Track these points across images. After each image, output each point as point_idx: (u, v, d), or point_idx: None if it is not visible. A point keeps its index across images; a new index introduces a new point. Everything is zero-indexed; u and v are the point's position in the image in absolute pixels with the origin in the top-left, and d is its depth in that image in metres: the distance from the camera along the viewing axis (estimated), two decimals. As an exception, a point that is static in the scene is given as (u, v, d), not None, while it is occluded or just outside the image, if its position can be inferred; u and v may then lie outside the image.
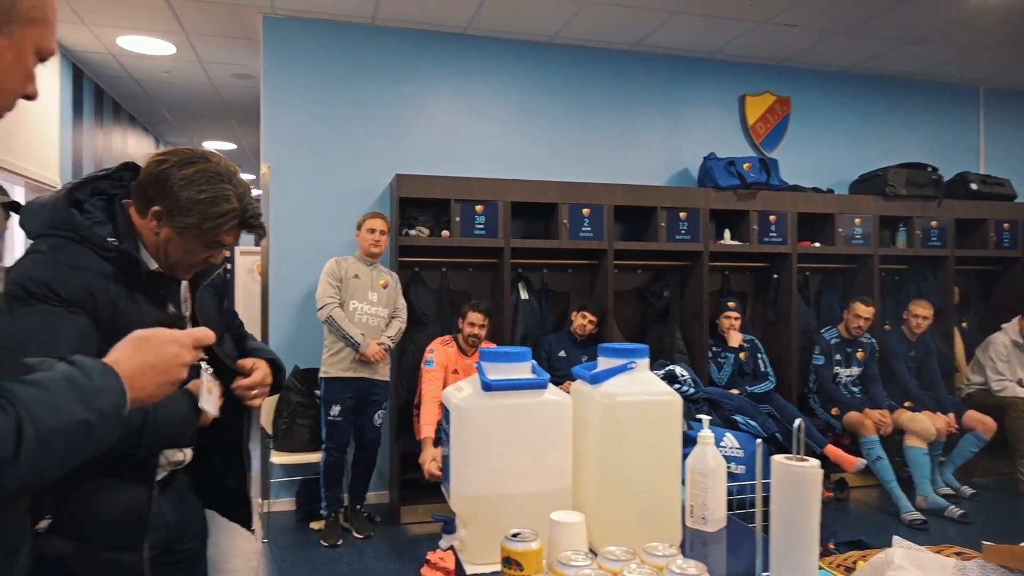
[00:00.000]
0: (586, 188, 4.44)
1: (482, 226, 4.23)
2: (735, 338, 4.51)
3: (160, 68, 5.34)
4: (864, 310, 4.49)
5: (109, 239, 1.27)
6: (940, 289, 5.13)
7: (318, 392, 3.99)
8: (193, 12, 4.25)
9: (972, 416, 4.51)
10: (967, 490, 4.53)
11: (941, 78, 5.56)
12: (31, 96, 0.87)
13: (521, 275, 4.60)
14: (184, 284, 1.43)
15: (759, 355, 4.60)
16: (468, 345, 3.99)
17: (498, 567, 1.12)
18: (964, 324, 5.43)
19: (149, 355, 0.90)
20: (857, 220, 4.90)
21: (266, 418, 4.07)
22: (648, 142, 4.97)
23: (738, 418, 2.39)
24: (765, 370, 4.55)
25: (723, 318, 4.55)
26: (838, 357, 4.59)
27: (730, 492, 1.58)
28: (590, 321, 4.32)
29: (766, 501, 1.21)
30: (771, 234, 4.72)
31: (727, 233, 4.75)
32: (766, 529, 1.25)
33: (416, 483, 4.22)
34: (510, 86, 4.72)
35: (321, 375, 3.83)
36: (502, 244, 4.25)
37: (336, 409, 3.76)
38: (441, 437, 1.33)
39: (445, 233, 4.22)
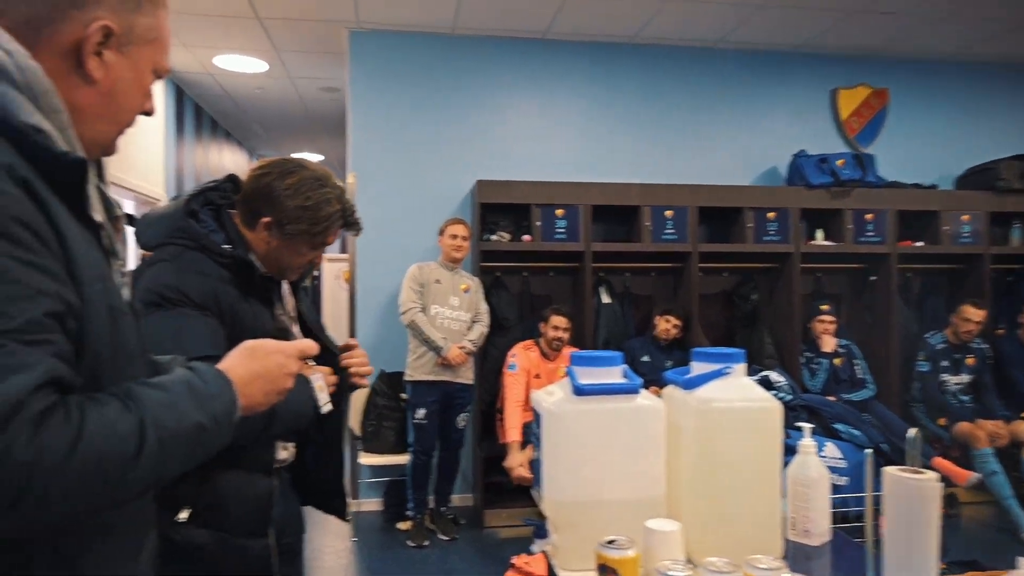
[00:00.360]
0: (669, 189, 4.35)
1: (563, 230, 4.21)
2: (829, 343, 4.31)
3: (253, 85, 5.60)
4: (974, 313, 4.19)
5: (224, 246, 1.35)
6: (1060, 290, 4.74)
7: (404, 395, 4.07)
8: (284, 30, 4.44)
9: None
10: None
11: (1058, 62, 5.15)
12: (149, 112, 0.92)
13: (603, 279, 4.55)
14: (285, 287, 1.50)
15: (856, 361, 4.37)
16: (551, 349, 3.98)
17: (591, 573, 1.10)
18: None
19: (258, 364, 0.93)
20: (965, 217, 4.59)
21: (354, 420, 4.19)
22: (733, 141, 4.83)
23: (839, 427, 2.27)
24: (863, 377, 4.32)
25: (816, 322, 4.35)
26: (945, 364, 4.30)
27: (832, 504, 1.50)
28: (674, 325, 4.23)
29: (875, 515, 1.14)
30: (868, 233, 4.48)
31: (819, 233, 4.55)
32: (876, 545, 1.17)
33: (500, 486, 4.24)
34: (589, 88, 4.69)
35: (406, 378, 3.91)
36: (583, 248, 4.22)
37: (421, 412, 3.82)
38: (531, 440, 1.32)
39: (526, 238, 4.22)
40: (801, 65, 4.90)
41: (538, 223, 4.18)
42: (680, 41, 4.69)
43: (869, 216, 4.48)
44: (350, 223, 1.46)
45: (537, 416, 1.32)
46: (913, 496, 1.04)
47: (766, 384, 2.98)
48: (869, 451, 1.24)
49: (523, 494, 4.04)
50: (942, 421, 4.24)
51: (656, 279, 4.70)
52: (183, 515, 1.28)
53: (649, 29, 4.47)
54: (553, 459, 1.25)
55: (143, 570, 0.89)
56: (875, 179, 4.56)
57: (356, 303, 4.44)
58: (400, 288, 3.95)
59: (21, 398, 0.65)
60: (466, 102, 4.56)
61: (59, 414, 0.68)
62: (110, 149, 0.90)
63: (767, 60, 4.86)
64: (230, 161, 7.31)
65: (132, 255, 4.95)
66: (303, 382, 1.33)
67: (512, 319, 4.40)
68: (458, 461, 4.06)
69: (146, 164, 5.00)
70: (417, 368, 3.84)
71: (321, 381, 1.36)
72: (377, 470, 4.31)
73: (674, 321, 4.23)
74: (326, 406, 1.36)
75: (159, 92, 5.30)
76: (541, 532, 1.28)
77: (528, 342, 4.06)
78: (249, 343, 0.95)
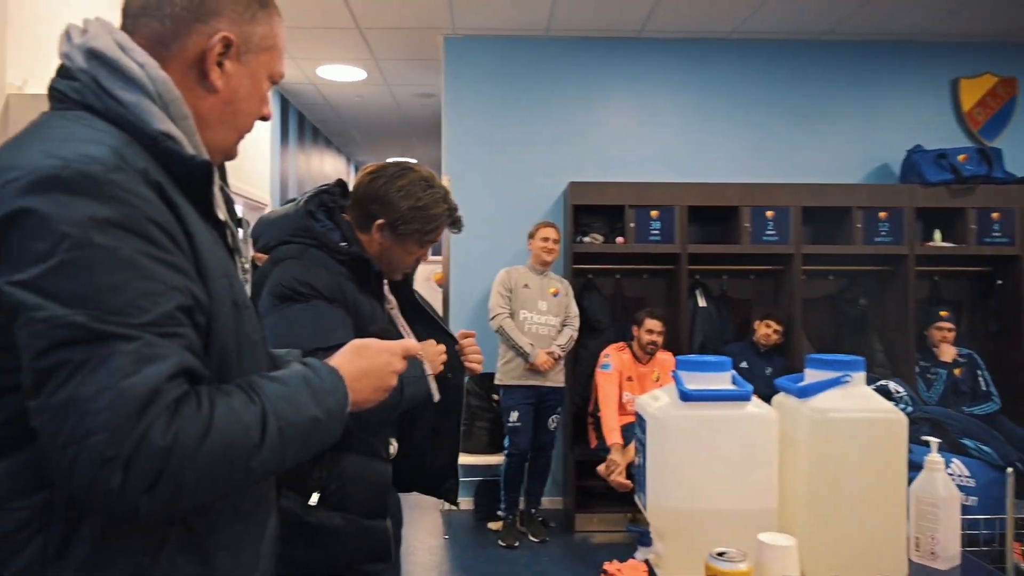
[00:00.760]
0: (770, 189, 4.18)
1: (657, 231, 4.13)
2: (948, 352, 4.01)
3: (353, 93, 5.81)
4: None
5: (341, 244, 1.43)
6: None
7: (496, 396, 4.10)
8: (382, 39, 4.58)
9: None
10: None
11: None
12: (266, 117, 0.96)
13: (699, 281, 4.42)
14: (386, 285, 1.57)
15: (979, 372, 4.04)
16: (644, 353, 3.91)
17: (698, 585, 1.05)
18: None
19: (366, 362, 0.96)
20: (1105, 215, 4.17)
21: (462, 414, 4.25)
22: (840, 137, 4.58)
23: (967, 442, 2.10)
24: (987, 389, 3.99)
25: (933, 330, 4.06)
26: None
27: (961, 526, 1.39)
28: (775, 330, 4.06)
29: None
30: (994, 234, 4.14)
31: (937, 234, 4.24)
32: (1020, 574, 1.07)
33: (591, 491, 4.19)
34: (685, 87, 4.57)
35: (497, 382, 3.93)
36: (679, 250, 4.12)
37: (515, 415, 3.83)
38: (636, 446, 1.29)
39: (620, 240, 4.16)
40: (917, 55, 4.59)
41: (632, 224, 4.11)
42: (783, 35, 4.50)
43: (995, 215, 4.14)
44: (455, 221, 1.53)
45: (641, 421, 1.28)
46: (1066, 522, 0.94)
47: (885, 394, 2.80)
48: (1010, 470, 1.13)
49: (614, 499, 3.98)
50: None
51: (755, 282, 4.52)
52: (314, 499, 1.35)
53: (750, 23, 4.31)
54: (658, 466, 1.22)
55: (266, 551, 0.93)
56: (1002, 175, 4.21)
57: (449, 304, 4.51)
58: (491, 291, 3.98)
59: (157, 386, 0.69)
60: (559, 103, 4.55)
61: (192, 403, 0.72)
62: (231, 153, 0.95)
63: (879, 51, 4.58)
64: (330, 167, 7.61)
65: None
66: (416, 364, 1.40)
67: (604, 322, 4.34)
68: (549, 463, 4.04)
69: (255, 171, 5.28)
70: (507, 372, 3.85)
71: (430, 371, 1.43)
72: (469, 469, 4.36)
73: (775, 326, 4.06)
74: (435, 393, 1.43)
75: (267, 102, 5.59)
76: (644, 539, 1.25)
77: (620, 344, 4.00)
78: (357, 342, 0.99)
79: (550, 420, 3.92)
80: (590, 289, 4.39)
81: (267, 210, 4.37)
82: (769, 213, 4.12)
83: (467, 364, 1.58)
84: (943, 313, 4.05)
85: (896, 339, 4.21)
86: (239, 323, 0.85)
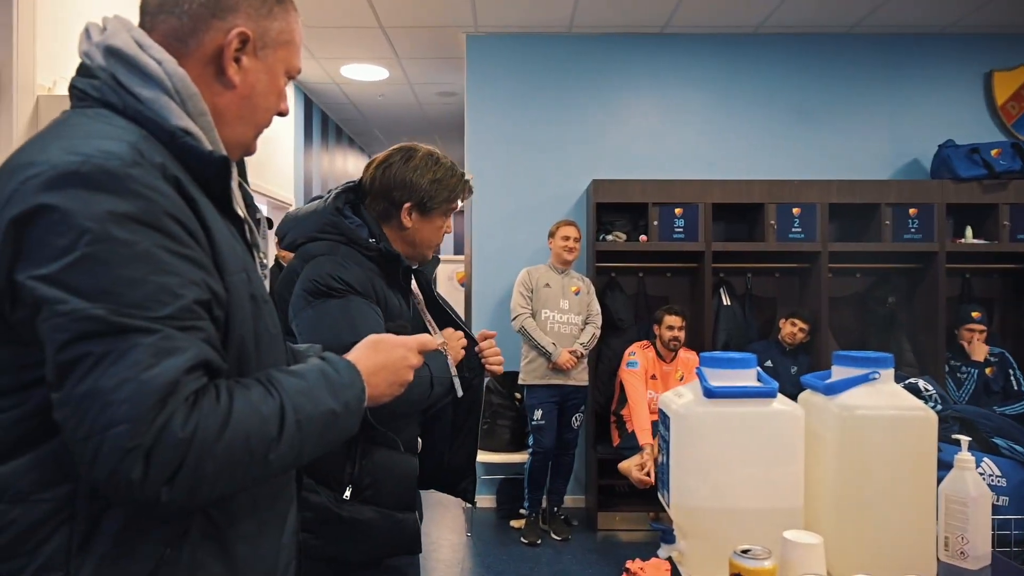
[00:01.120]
0: (796, 186, 4.13)
1: (681, 229, 4.09)
2: (980, 351, 3.92)
3: (375, 92, 5.85)
4: None
5: (370, 240, 1.44)
6: None
7: (518, 395, 4.10)
8: (405, 38, 4.60)
9: None
10: None
11: None
12: (283, 113, 0.96)
13: (723, 280, 4.38)
14: (413, 282, 1.58)
15: (1012, 371, 3.95)
16: (668, 350, 3.89)
17: (722, 584, 1.05)
18: None
19: (383, 357, 0.96)
20: None
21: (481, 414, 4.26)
22: (868, 133, 4.51)
23: (999, 441, 2.05)
24: (1020, 388, 3.90)
25: (964, 330, 3.98)
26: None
27: (992, 526, 1.36)
28: (800, 329, 4.01)
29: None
30: (1028, 231, 4.05)
31: (969, 231, 4.16)
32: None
33: (614, 489, 4.19)
34: (709, 83, 4.53)
35: (520, 381, 3.93)
36: (703, 248, 4.08)
37: (538, 414, 3.83)
38: (659, 443, 1.28)
39: (643, 238, 4.14)
40: (949, 47, 4.50)
41: (655, 222, 4.09)
42: (809, 29, 4.44)
43: (1029, 211, 4.05)
44: (469, 185, 1.57)
45: (664, 418, 1.28)
46: (1103, 523, 0.91)
47: (915, 392, 2.75)
48: (1044, 470, 1.10)
49: (637, 497, 3.97)
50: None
51: (780, 280, 4.47)
52: (347, 493, 1.38)
53: (775, 18, 4.26)
54: (682, 463, 1.21)
55: (287, 543, 0.94)
56: (1036, 170, 4.12)
57: (472, 303, 4.52)
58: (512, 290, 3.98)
59: (177, 378, 0.69)
60: (582, 101, 4.53)
61: (211, 395, 0.73)
62: (251, 149, 0.96)
63: (909, 44, 4.50)
64: (353, 166, 7.67)
65: (271, 252, 5.28)
66: (442, 360, 1.43)
67: (627, 320, 4.32)
68: (572, 462, 4.04)
69: (279, 170, 5.33)
70: (530, 372, 3.85)
71: (453, 367, 1.45)
72: (491, 467, 4.37)
73: (800, 325, 4.00)
74: (459, 389, 1.45)
75: (289, 102, 5.65)
76: (668, 537, 1.24)
77: (645, 342, 3.98)
78: (373, 337, 0.99)
79: (573, 419, 3.91)
80: (613, 288, 4.37)
81: (291, 209, 4.42)
82: (795, 210, 4.07)
83: (487, 367, 1.58)
84: (975, 314, 3.97)
85: (926, 338, 4.13)
86: (257, 317, 0.86)
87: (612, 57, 4.53)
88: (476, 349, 1.57)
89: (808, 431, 1.23)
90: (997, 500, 2.01)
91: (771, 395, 1.21)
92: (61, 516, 0.73)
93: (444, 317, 1.62)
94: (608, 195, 4.15)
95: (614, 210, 4.26)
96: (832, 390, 1.21)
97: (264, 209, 5.29)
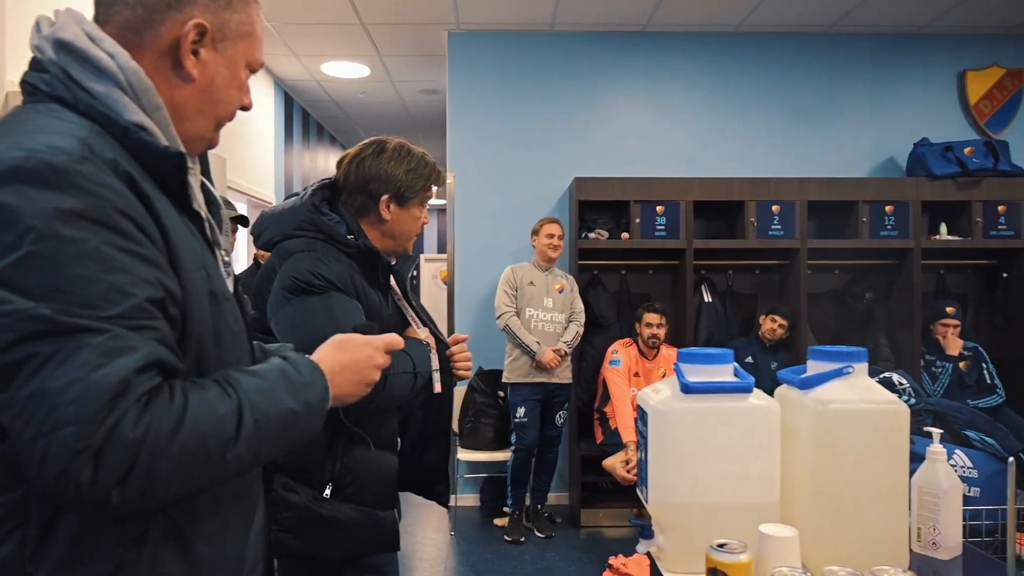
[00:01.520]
0: (775, 184, 4.17)
1: (663, 227, 4.12)
2: (955, 345, 3.99)
3: (357, 90, 5.82)
4: None
5: (348, 236, 1.44)
6: None
7: (501, 393, 4.11)
8: (386, 35, 4.58)
9: None
10: None
11: None
12: (246, 107, 0.94)
13: (704, 277, 4.41)
14: (392, 280, 1.57)
15: (984, 365, 4.03)
16: (648, 347, 3.91)
17: (700, 577, 1.06)
18: None
19: (348, 356, 0.95)
20: (1114, 208, 4.14)
21: (452, 416, 4.26)
22: (846, 131, 4.56)
23: (970, 434, 2.09)
24: (992, 382, 3.97)
25: (939, 325, 4.04)
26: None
27: (963, 516, 1.39)
28: (780, 325, 4.05)
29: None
30: (1000, 227, 4.12)
31: (943, 227, 4.23)
32: (1021, 564, 1.07)
33: (597, 486, 4.21)
34: (691, 81, 4.56)
35: (504, 380, 3.94)
36: (684, 245, 4.11)
37: (521, 411, 3.84)
38: (638, 440, 1.30)
39: (625, 235, 4.16)
40: (924, 47, 4.57)
41: (637, 220, 4.11)
42: (789, 28, 4.48)
43: (1001, 208, 4.12)
44: (439, 175, 1.58)
45: (643, 414, 1.29)
46: (1067, 512, 0.94)
47: (889, 386, 2.80)
48: (1012, 460, 1.13)
49: (620, 494, 3.99)
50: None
51: (760, 277, 4.51)
52: (327, 492, 1.37)
53: (755, 17, 4.29)
54: (660, 459, 1.22)
55: (254, 543, 0.93)
56: (1009, 168, 4.19)
57: (455, 301, 4.52)
58: (497, 286, 3.98)
59: (127, 378, 0.68)
60: (564, 99, 4.54)
61: (164, 395, 0.72)
62: (212, 142, 0.93)
63: (886, 43, 4.56)
64: (334, 164, 7.61)
65: (244, 253, 5.23)
66: (423, 349, 1.44)
67: (610, 318, 4.35)
68: (555, 459, 4.05)
69: (259, 168, 5.29)
70: (514, 370, 3.86)
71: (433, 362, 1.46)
72: (474, 466, 4.37)
73: (780, 321, 4.05)
74: (438, 384, 1.46)
75: (268, 100, 5.63)
76: (646, 533, 1.25)
77: (627, 340, 4.01)
78: (339, 336, 0.98)
79: (557, 416, 3.92)
80: (595, 285, 4.39)
81: (267, 207, 4.39)
82: (774, 208, 4.11)
83: (456, 371, 1.57)
84: (949, 309, 4.03)
85: (902, 333, 4.20)
86: (217, 315, 0.84)
87: (594, 55, 4.54)
88: (447, 352, 1.56)
89: (784, 425, 1.25)
90: (969, 491, 2.06)
91: (747, 390, 1.22)
92: (14, 520, 0.71)
93: (425, 318, 1.61)
94: (590, 193, 4.16)
95: (596, 208, 4.28)
96: (807, 384, 1.23)
97: (243, 208, 5.25)
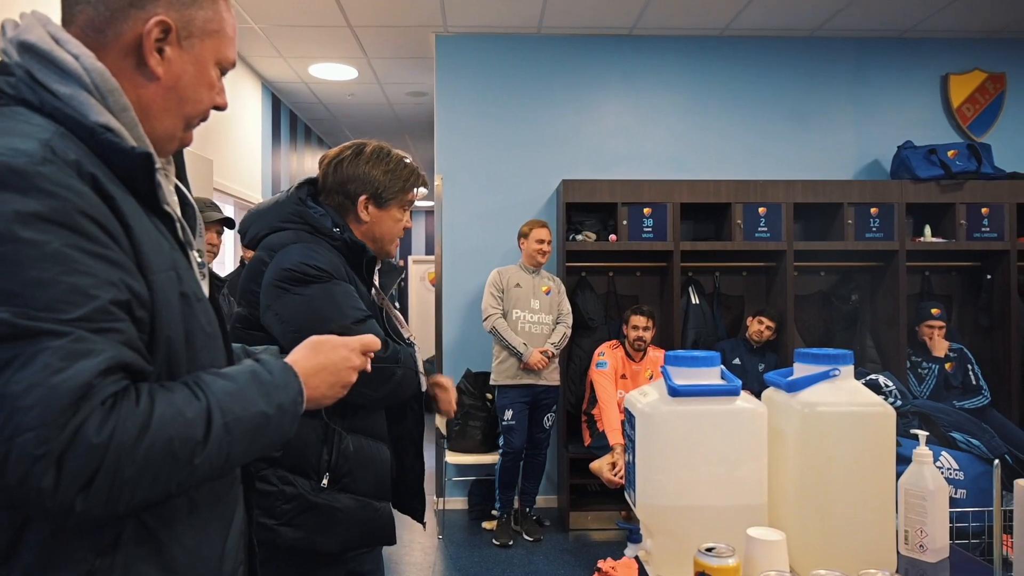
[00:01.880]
0: (762, 186, 4.19)
1: (650, 229, 4.13)
2: (941, 347, 4.03)
3: (344, 92, 5.79)
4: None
5: (334, 229, 1.44)
6: None
7: (490, 395, 4.10)
8: (374, 37, 4.57)
9: None
10: None
11: None
12: (220, 107, 0.93)
13: (691, 279, 4.43)
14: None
15: (969, 366, 4.06)
16: (635, 350, 3.92)
17: (688, 581, 1.06)
18: None
19: (323, 357, 0.95)
20: (1095, 210, 4.19)
21: (440, 419, 4.25)
22: (832, 134, 4.60)
23: (956, 436, 2.10)
24: (977, 383, 4.01)
25: (924, 326, 4.07)
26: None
27: (949, 519, 1.40)
28: (767, 327, 4.07)
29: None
30: (983, 229, 4.17)
31: (927, 229, 4.26)
32: (1007, 566, 1.08)
33: (585, 489, 4.21)
34: (678, 84, 4.58)
35: (492, 382, 3.93)
36: (671, 247, 4.12)
37: (509, 414, 3.83)
38: (626, 443, 1.29)
39: (612, 237, 4.16)
40: (907, 51, 4.61)
41: (624, 222, 4.12)
42: (774, 32, 4.51)
43: (985, 210, 4.16)
44: (422, 179, 1.58)
45: (630, 417, 1.28)
46: (1052, 513, 0.94)
47: (875, 388, 2.81)
48: (997, 462, 1.13)
49: (608, 497, 3.99)
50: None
51: (748, 279, 4.53)
52: (324, 481, 1.37)
53: (740, 20, 4.32)
54: (647, 462, 1.22)
55: (232, 546, 0.91)
56: (991, 170, 4.24)
57: (443, 303, 4.51)
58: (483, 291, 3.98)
59: (89, 381, 0.67)
60: (552, 102, 4.54)
61: (130, 398, 0.70)
62: (184, 141, 0.92)
63: (870, 47, 4.60)
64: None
65: (231, 255, 5.18)
66: (408, 348, 1.45)
67: (598, 320, 4.35)
68: (544, 462, 4.04)
69: (246, 170, 5.25)
70: (501, 372, 3.85)
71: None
72: (463, 469, 4.36)
73: (767, 323, 4.07)
74: (424, 383, 1.48)
75: (255, 102, 5.59)
76: (634, 536, 1.25)
77: (614, 342, 4.01)
78: (315, 338, 0.98)
79: (545, 419, 3.92)
80: (583, 287, 4.39)
81: (262, 201, 4.36)
82: (761, 210, 4.13)
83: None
84: (935, 311, 4.07)
85: (888, 334, 4.23)
86: (189, 316, 0.83)
87: (581, 58, 4.55)
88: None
89: (771, 428, 1.25)
90: (955, 493, 2.07)
91: (735, 393, 1.22)
92: None
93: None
94: (578, 195, 4.17)
95: (584, 210, 4.28)
96: (793, 387, 1.23)
97: (230, 210, 5.21)
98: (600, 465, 3.60)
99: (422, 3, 4.05)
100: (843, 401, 1.21)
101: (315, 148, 7.32)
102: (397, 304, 1.62)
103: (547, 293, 3.92)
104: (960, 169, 4.18)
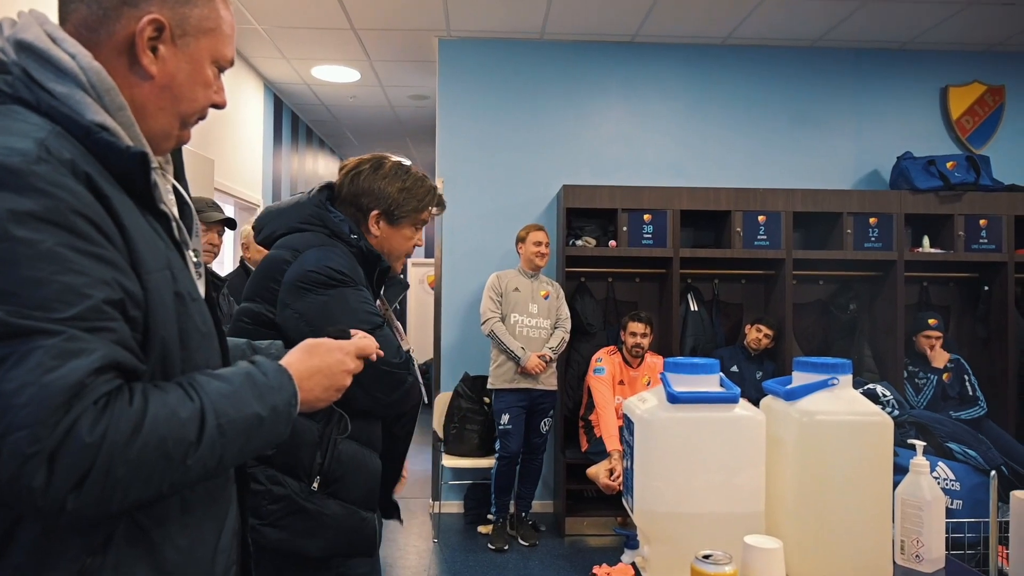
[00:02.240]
0: (762, 194, 4.20)
1: (650, 235, 4.14)
2: (940, 358, 4.03)
3: (347, 94, 5.80)
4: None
5: (352, 236, 1.45)
6: None
7: (487, 399, 4.10)
8: (377, 40, 4.58)
9: None
10: None
11: None
12: (218, 105, 0.93)
13: (690, 286, 4.44)
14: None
15: (967, 377, 4.07)
16: (632, 356, 3.92)
17: (685, 588, 1.06)
18: None
19: (317, 360, 0.95)
20: (1093, 223, 4.21)
21: (437, 422, 4.25)
22: (832, 144, 4.61)
23: (953, 446, 2.11)
24: (974, 394, 4.02)
25: (921, 337, 4.08)
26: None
27: (945, 529, 1.40)
28: (766, 335, 4.08)
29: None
30: (981, 240, 4.18)
31: (926, 240, 4.28)
32: (1002, 576, 1.08)
33: (582, 494, 4.20)
34: (680, 92, 4.59)
35: (489, 386, 3.93)
36: (671, 254, 4.13)
37: (506, 418, 3.83)
38: (624, 449, 1.29)
39: (612, 243, 4.17)
40: (908, 62, 4.63)
41: (624, 228, 4.13)
42: (776, 41, 4.53)
43: (983, 222, 4.17)
44: (439, 199, 1.58)
45: (629, 423, 1.29)
46: (1048, 525, 0.95)
47: (873, 398, 2.82)
48: (993, 473, 1.14)
49: (605, 503, 3.99)
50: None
51: (746, 287, 4.54)
52: (315, 484, 1.37)
53: (743, 29, 4.34)
54: (645, 468, 1.22)
55: (225, 547, 0.91)
56: (990, 182, 4.25)
57: (441, 307, 4.51)
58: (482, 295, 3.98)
59: (82, 380, 0.67)
60: (554, 107, 4.56)
61: (123, 398, 0.70)
62: (181, 139, 0.91)
63: (871, 58, 4.62)
64: (323, 168, 7.59)
65: (231, 255, 5.19)
66: (409, 359, 1.45)
67: (596, 325, 4.35)
68: (540, 467, 4.04)
69: (248, 171, 5.26)
70: (499, 376, 3.85)
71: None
72: (459, 472, 4.36)
73: (765, 331, 4.07)
74: (425, 395, 1.50)
75: (258, 103, 5.60)
76: (631, 543, 1.25)
77: (611, 348, 4.01)
78: (310, 341, 0.98)
79: (542, 423, 3.92)
80: (582, 292, 4.40)
81: (259, 210, 4.36)
82: (761, 218, 4.14)
83: None
84: (932, 321, 4.08)
85: (885, 344, 4.24)
86: (184, 316, 0.83)
87: (583, 64, 4.56)
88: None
89: (769, 436, 1.25)
90: (951, 503, 2.07)
91: (733, 400, 1.23)
92: None
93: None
94: (578, 200, 4.17)
95: (584, 215, 4.29)
96: (792, 396, 1.24)
97: (231, 211, 5.21)
98: (597, 471, 3.60)
99: (425, 7, 4.07)
100: (841, 410, 1.21)
101: (316, 150, 7.33)
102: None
103: (546, 298, 3.93)
104: (959, 180, 4.19)
